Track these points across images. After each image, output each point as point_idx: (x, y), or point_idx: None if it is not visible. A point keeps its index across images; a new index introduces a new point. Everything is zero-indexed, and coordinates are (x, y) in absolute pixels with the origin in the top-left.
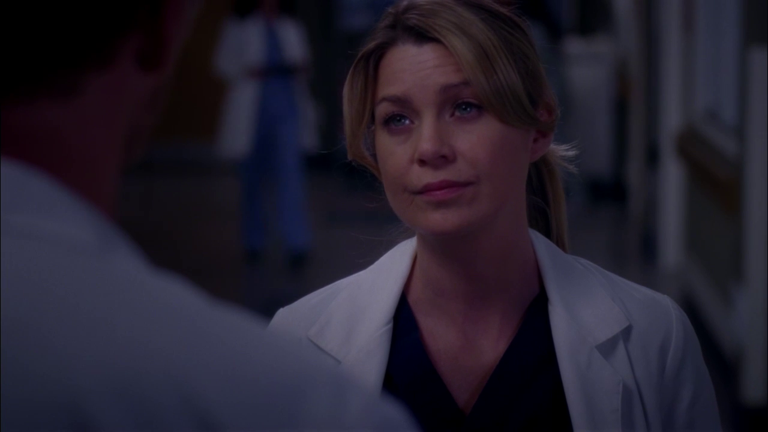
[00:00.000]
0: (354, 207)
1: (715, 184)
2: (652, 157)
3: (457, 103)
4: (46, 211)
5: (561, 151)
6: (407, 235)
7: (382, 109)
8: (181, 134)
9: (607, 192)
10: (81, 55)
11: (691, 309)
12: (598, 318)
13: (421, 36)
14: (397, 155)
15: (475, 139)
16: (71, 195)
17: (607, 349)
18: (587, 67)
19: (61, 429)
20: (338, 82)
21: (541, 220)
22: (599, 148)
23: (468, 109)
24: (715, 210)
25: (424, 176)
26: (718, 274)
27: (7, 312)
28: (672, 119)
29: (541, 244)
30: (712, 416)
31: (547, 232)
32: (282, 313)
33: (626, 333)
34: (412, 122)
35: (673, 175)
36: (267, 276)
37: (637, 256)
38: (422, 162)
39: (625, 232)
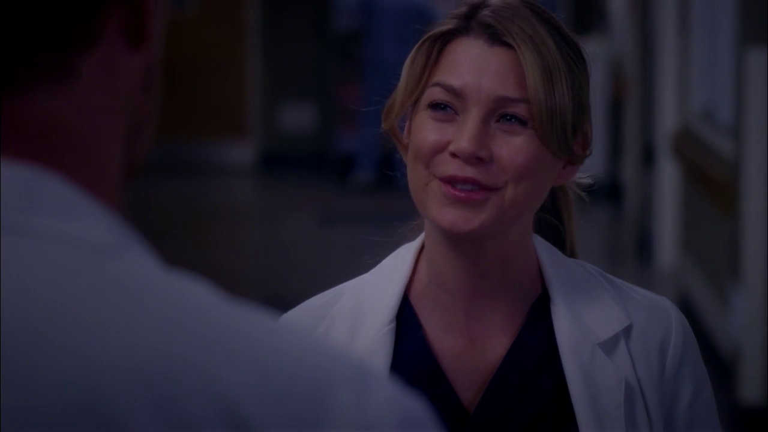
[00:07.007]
0: (348, 207)
1: (711, 185)
2: (648, 157)
3: (505, 113)
4: (62, 213)
5: (576, 178)
6: (413, 235)
7: (432, 93)
8: (185, 135)
9: (603, 192)
10: (66, 32)
11: (688, 309)
12: (599, 317)
13: (494, 37)
14: (433, 133)
15: (514, 147)
16: (85, 196)
17: (608, 346)
18: None
19: None
20: (333, 83)
21: (551, 231)
22: (594, 148)
23: (513, 120)
24: (711, 210)
25: (451, 166)
26: (715, 274)
27: (27, 315)
28: (668, 119)
29: (542, 247)
30: (711, 416)
31: (555, 244)
32: (285, 318)
33: (627, 332)
34: (456, 113)
35: (668, 176)
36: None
37: (632, 256)
38: (455, 156)
39: (621, 232)
